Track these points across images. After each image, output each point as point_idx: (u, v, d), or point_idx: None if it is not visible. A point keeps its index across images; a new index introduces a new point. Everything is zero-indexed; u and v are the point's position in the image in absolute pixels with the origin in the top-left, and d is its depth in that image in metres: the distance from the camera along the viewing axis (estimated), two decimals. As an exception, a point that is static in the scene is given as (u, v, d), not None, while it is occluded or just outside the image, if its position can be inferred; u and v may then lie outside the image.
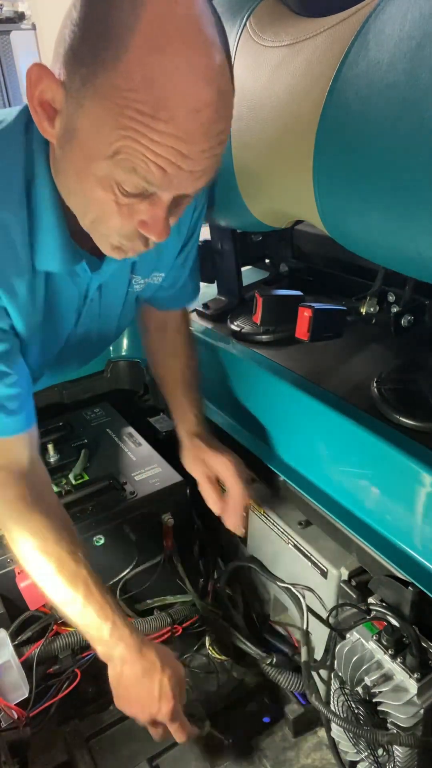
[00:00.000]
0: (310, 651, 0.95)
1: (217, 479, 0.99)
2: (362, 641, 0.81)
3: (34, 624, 0.98)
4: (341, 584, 0.89)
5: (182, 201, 0.66)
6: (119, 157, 0.58)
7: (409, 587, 0.77)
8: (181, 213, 0.69)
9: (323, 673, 0.96)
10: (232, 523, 0.99)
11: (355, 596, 0.86)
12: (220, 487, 0.99)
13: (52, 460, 1.19)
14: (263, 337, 1.10)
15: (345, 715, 0.82)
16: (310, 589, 0.94)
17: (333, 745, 0.89)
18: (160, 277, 0.96)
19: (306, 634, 0.95)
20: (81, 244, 0.77)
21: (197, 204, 0.92)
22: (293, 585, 0.98)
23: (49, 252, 0.75)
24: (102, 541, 1.04)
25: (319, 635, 0.95)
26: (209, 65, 0.56)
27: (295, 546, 0.98)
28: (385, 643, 0.78)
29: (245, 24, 0.84)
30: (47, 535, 0.81)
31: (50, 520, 0.82)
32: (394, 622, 0.79)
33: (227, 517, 0.99)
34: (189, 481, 1.14)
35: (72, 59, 0.58)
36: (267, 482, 1.07)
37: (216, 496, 0.98)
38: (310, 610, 0.96)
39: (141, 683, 0.82)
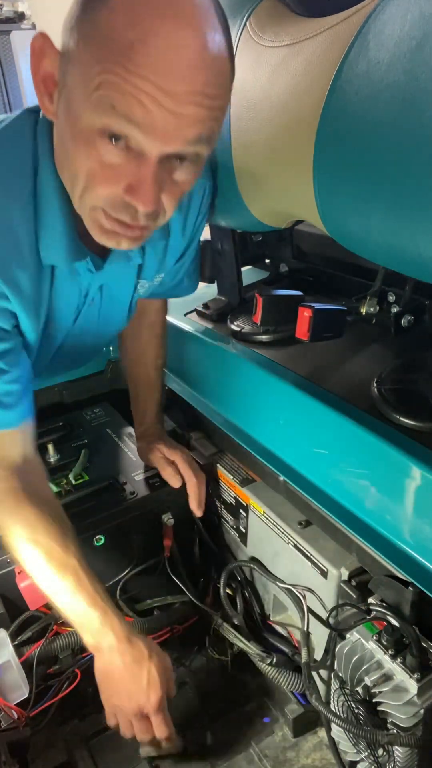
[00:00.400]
0: (311, 652, 0.95)
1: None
2: (362, 641, 0.81)
3: (34, 624, 0.98)
4: (341, 584, 0.89)
5: (173, 169, 0.64)
6: (99, 94, 0.57)
7: (409, 587, 0.77)
8: (178, 195, 0.67)
9: (323, 673, 0.96)
10: (195, 506, 1.12)
11: (355, 596, 0.86)
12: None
13: (52, 460, 1.20)
14: (263, 337, 1.10)
15: (345, 715, 0.82)
16: (310, 591, 0.94)
17: (333, 745, 0.89)
18: (160, 278, 0.97)
19: (306, 636, 0.95)
20: (86, 244, 0.77)
21: (201, 211, 0.93)
22: (293, 586, 0.98)
23: (54, 245, 0.74)
24: (102, 541, 1.04)
25: (320, 635, 0.95)
26: (195, 13, 0.57)
27: (295, 546, 0.98)
28: (385, 643, 0.78)
29: (245, 24, 0.84)
30: (37, 525, 0.82)
31: (41, 511, 0.83)
32: (394, 622, 0.79)
33: (191, 502, 1.12)
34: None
35: (68, 21, 0.59)
36: (267, 482, 1.07)
37: (174, 472, 1.11)
38: (310, 611, 0.96)
39: (130, 671, 0.83)
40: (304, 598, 0.96)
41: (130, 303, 0.96)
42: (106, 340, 1.07)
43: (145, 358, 1.16)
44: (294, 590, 0.97)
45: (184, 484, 1.12)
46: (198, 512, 1.15)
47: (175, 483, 1.11)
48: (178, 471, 1.12)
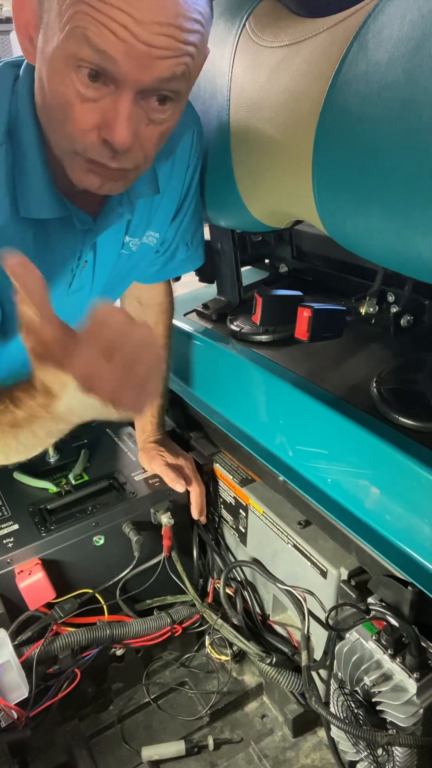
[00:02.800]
0: (311, 654, 0.95)
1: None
2: (362, 641, 0.81)
3: (34, 624, 0.98)
4: (341, 584, 0.89)
5: (151, 109, 0.64)
6: (72, 25, 0.57)
7: (409, 587, 0.77)
8: (157, 135, 0.66)
9: (323, 673, 0.96)
10: (197, 513, 1.14)
11: (354, 596, 0.86)
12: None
13: (52, 460, 1.20)
14: (263, 337, 1.10)
15: (344, 715, 0.82)
16: (310, 593, 0.94)
17: (333, 745, 0.89)
18: (154, 238, 0.94)
19: (307, 639, 0.95)
20: (73, 201, 0.76)
21: (189, 162, 0.90)
22: (294, 587, 0.98)
23: (34, 196, 0.72)
24: (102, 541, 1.04)
25: (319, 635, 0.95)
26: None
27: (294, 546, 0.98)
28: (384, 642, 0.78)
29: (244, 24, 0.84)
30: None
31: None
32: (393, 621, 0.79)
33: (193, 509, 1.14)
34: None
35: None
36: (266, 482, 1.07)
37: (178, 477, 1.11)
38: (310, 613, 0.96)
39: None
40: (305, 600, 0.96)
41: (119, 260, 0.92)
42: None
43: None
44: (294, 592, 0.97)
45: None
46: (201, 519, 1.16)
47: (180, 488, 1.11)
48: (181, 476, 1.12)
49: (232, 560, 1.22)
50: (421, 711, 0.75)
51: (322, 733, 1.09)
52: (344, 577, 0.89)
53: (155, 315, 1.12)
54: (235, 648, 1.15)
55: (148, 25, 0.57)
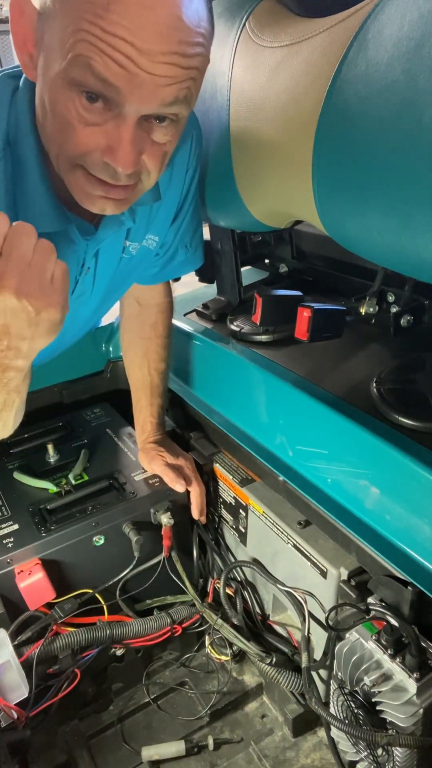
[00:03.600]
0: (311, 655, 0.95)
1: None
2: (361, 641, 0.81)
3: (34, 624, 0.98)
4: (340, 584, 0.89)
5: (153, 131, 0.64)
6: (75, 53, 0.57)
7: (409, 587, 0.77)
8: (160, 156, 0.67)
9: (323, 673, 0.96)
10: (197, 513, 1.14)
11: (354, 596, 0.86)
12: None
13: (52, 460, 1.20)
14: (263, 337, 1.10)
15: (344, 715, 0.82)
16: (310, 594, 0.94)
17: (332, 745, 0.89)
18: (154, 241, 0.94)
19: (307, 640, 0.95)
20: (73, 210, 0.75)
21: (189, 166, 0.90)
22: (294, 589, 0.98)
23: (35, 209, 0.72)
24: (102, 541, 1.04)
25: (319, 635, 0.95)
26: None
27: (294, 546, 0.98)
28: (384, 642, 0.78)
29: (244, 24, 0.84)
30: None
31: None
32: (393, 621, 0.79)
33: (193, 509, 1.14)
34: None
35: None
36: (266, 482, 1.07)
37: (178, 477, 1.11)
38: (310, 614, 0.95)
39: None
40: (305, 602, 0.96)
41: (119, 265, 0.92)
42: (97, 314, 1.05)
43: (147, 359, 1.14)
44: (294, 593, 0.97)
45: None
46: (202, 518, 1.16)
47: (180, 488, 1.11)
48: (181, 476, 1.11)
49: (232, 560, 1.22)
50: (421, 711, 0.75)
51: (322, 733, 1.09)
52: (344, 577, 0.89)
53: (154, 315, 1.12)
54: (235, 648, 1.15)
55: (151, 55, 0.57)
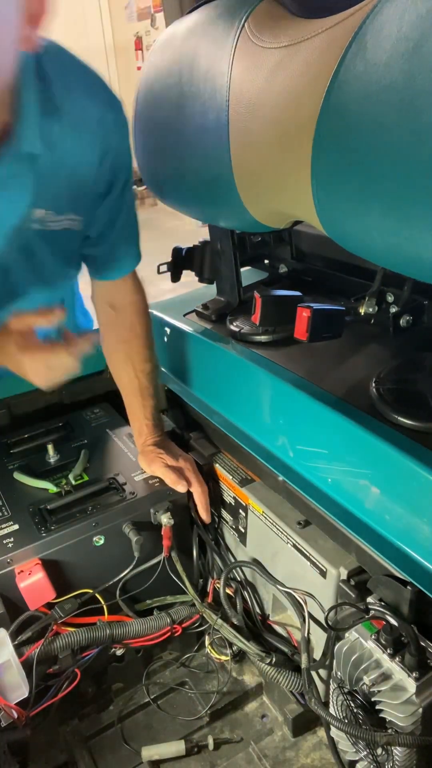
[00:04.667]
0: (311, 656, 0.95)
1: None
2: (361, 640, 0.81)
3: (34, 624, 0.99)
4: (340, 584, 0.89)
5: None
6: None
7: (408, 586, 0.77)
8: None
9: (323, 672, 0.96)
10: (204, 514, 1.15)
11: (353, 595, 0.86)
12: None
13: (52, 460, 1.20)
14: (262, 337, 1.10)
15: (344, 714, 0.82)
16: (310, 595, 0.94)
17: (332, 744, 0.89)
18: (78, 222, 0.93)
19: (307, 641, 0.95)
20: None
21: (104, 147, 0.88)
22: (294, 590, 0.98)
23: None
24: (102, 541, 1.05)
25: (319, 634, 0.95)
26: None
27: (294, 546, 0.98)
28: (383, 642, 0.78)
29: (243, 25, 0.84)
30: None
31: None
32: (392, 621, 0.79)
33: (200, 510, 1.15)
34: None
35: None
36: (266, 482, 1.07)
37: (179, 478, 1.11)
38: (310, 615, 0.96)
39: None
40: (305, 603, 0.96)
41: (23, 233, 0.90)
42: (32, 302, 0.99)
43: (131, 362, 1.12)
44: (294, 594, 0.97)
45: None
46: (206, 519, 1.15)
47: (182, 488, 1.10)
48: (182, 477, 1.11)
49: (232, 560, 1.22)
50: (420, 710, 0.75)
51: (321, 732, 1.09)
52: (344, 576, 0.89)
53: (130, 316, 1.10)
54: (234, 648, 1.15)
55: None
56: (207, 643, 1.18)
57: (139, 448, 1.19)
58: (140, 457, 1.17)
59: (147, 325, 1.13)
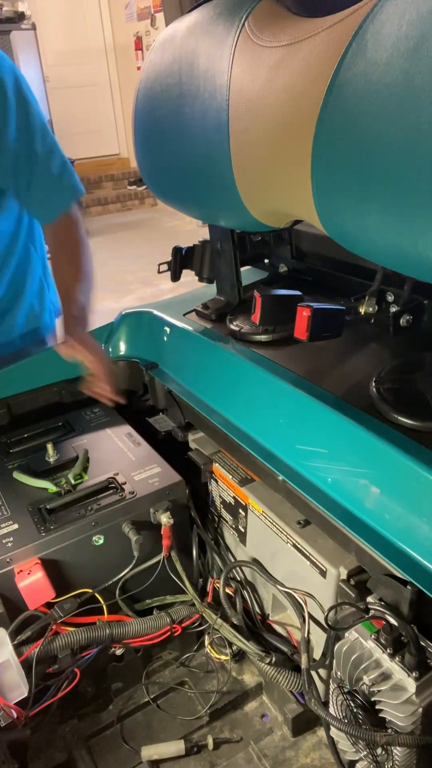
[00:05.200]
0: (311, 657, 0.95)
1: None
2: (361, 640, 0.81)
3: (34, 623, 0.99)
4: (340, 583, 0.89)
5: None
6: None
7: (408, 586, 0.77)
8: None
9: (323, 672, 0.96)
10: (103, 396, 1.29)
11: (353, 595, 0.86)
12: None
13: (52, 460, 1.20)
14: (262, 336, 1.10)
15: (344, 714, 0.82)
16: (310, 595, 0.94)
17: (332, 744, 0.89)
18: None
19: (307, 641, 0.95)
20: None
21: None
22: (294, 590, 0.98)
23: None
24: (101, 541, 1.05)
25: (319, 634, 0.95)
26: None
27: (294, 545, 0.98)
28: (383, 641, 0.78)
29: (243, 24, 0.84)
30: None
31: None
32: (392, 621, 0.79)
33: (98, 392, 1.28)
34: (188, 480, 1.15)
35: None
36: (266, 482, 1.07)
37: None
38: (310, 615, 0.96)
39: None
40: (305, 602, 0.96)
41: None
42: None
43: (64, 276, 1.30)
44: (294, 594, 0.97)
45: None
46: (119, 400, 1.30)
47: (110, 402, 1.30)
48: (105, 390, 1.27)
49: (232, 560, 1.22)
50: (420, 710, 0.75)
51: (321, 732, 1.09)
52: (343, 576, 0.89)
53: (65, 256, 1.29)
54: (234, 648, 1.15)
55: None
56: (207, 642, 1.18)
57: (65, 331, 1.30)
58: (60, 345, 1.27)
59: (79, 244, 1.30)
